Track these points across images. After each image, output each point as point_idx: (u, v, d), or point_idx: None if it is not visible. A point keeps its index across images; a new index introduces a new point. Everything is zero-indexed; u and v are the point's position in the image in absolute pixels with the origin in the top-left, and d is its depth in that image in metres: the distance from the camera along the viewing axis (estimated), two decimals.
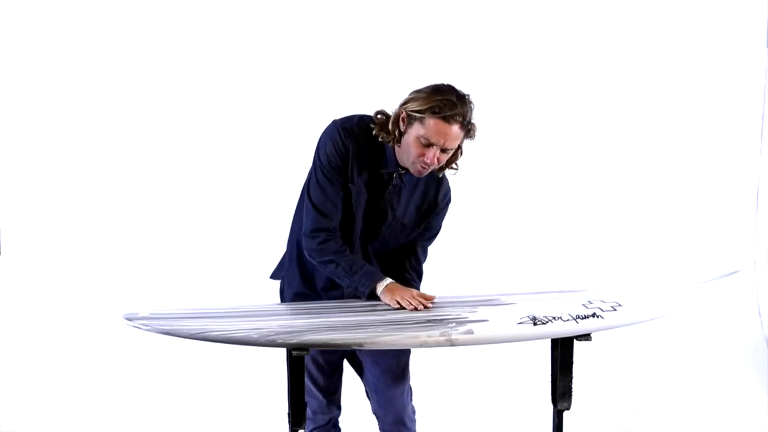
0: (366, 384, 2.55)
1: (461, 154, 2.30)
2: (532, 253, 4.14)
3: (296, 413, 2.16)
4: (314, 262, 2.33)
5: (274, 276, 2.52)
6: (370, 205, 2.32)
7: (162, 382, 3.64)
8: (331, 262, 2.29)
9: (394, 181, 2.31)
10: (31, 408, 3.46)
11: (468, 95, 2.22)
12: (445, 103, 2.16)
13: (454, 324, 2.13)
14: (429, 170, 2.24)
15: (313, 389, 2.50)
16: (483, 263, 4.10)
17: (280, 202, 3.97)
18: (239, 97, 4.04)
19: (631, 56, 4.11)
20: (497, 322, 2.17)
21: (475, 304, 2.31)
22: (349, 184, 2.29)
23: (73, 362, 3.76)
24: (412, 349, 2.44)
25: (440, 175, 2.36)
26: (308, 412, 2.48)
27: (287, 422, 2.19)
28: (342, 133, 2.25)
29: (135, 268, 4.03)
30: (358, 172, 2.28)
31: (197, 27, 3.98)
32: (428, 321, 2.15)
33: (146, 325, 2.10)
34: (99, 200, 4.03)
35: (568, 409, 2.30)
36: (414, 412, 2.59)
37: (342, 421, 2.61)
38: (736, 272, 2.59)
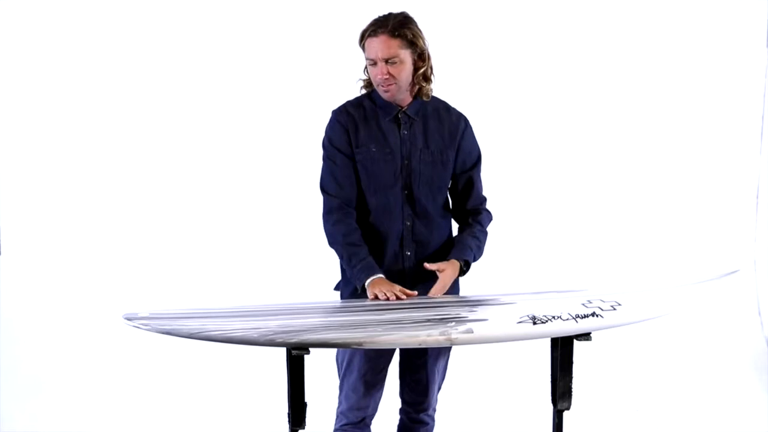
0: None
1: (424, 63, 2.41)
2: (532, 253, 4.14)
3: (296, 413, 2.16)
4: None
5: (337, 288, 2.56)
6: (395, 152, 2.41)
7: (162, 382, 3.64)
8: (337, 249, 2.39)
9: (402, 120, 2.43)
10: (31, 408, 3.46)
11: (401, 12, 2.38)
12: (371, 23, 2.37)
13: (453, 323, 2.13)
14: (393, 88, 2.36)
15: (360, 385, 2.48)
16: (483, 263, 4.09)
17: (280, 202, 3.99)
18: (243, 99, 4.03)
19: (631, 56, 4.11)
20: (497, 321, 2.17)
21: (475, 303, 2.32)
22: (355, 150, 2.41)
23: (73, 362, 3.76)
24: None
25: (429, 98, 2.45)
26: (344, 406, 2.50)
27: (287, 422, 2.19)
28: (337, 116, 2.45)
29: (135, 268, 4.03)
30: (367, 134, 2.41)
31: (200, 27, 3.97)
32: (428, 320, 2.15)
33: (146, 325, 2.10)
34: (99, 200, 4.02)
35: (568, 409, 2.30)
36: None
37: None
38: (736, 272, 2.59)
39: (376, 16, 2.39)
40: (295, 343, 2.03)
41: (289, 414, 2.18)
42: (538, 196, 4.17)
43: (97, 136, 4.01)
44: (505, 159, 4.10)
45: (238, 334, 2.04)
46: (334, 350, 2.52)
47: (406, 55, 2.36)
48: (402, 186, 2.42)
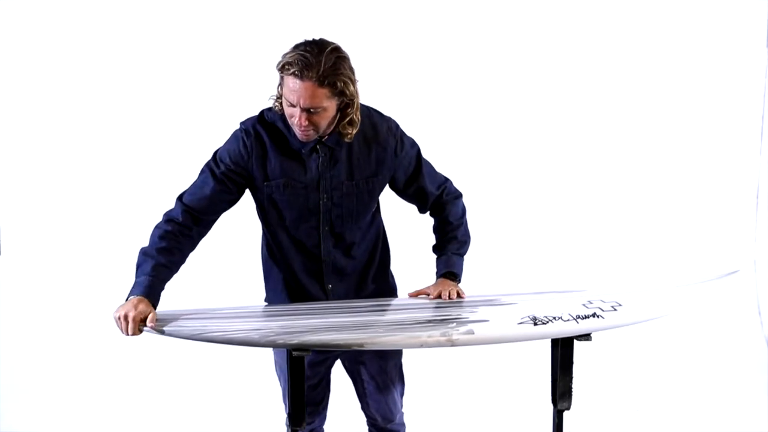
0: (356, 390, 2.55)
1: (352, 109, 2.10)
2: (532, 253, 4.14)
3: (296, 413, 2.16)
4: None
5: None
6: (311, 188, 2.20)
7: (162, 383, 3.64)
8: (140, 253, 2.31)
9: (321, 151, 2.17)
10: (31, 408, 3.46)
11: (333, 48, 2.03)
12: (296, 57, 2.00)
13: (454, 324, 2.13)
14: (311, 134, 2.09)
15: None
16: (483, 263, 4.08)
17: None
18: (244, 100, 4.01)
19: (631, 56, 4.11)
20: (498, 322, 2.17)
21: (476, 304, 2.32)
22: (264, 184, 2.19)
23: (73, 362, 3.76)
24: (413, 350, 2.44)
25: (371, 127, 2.21)
26: (286, 418, 2.48)
27: (287, 422, 2.19)
28: (244, 135, 2.21)
29: (135, 269, 4.02)
30: (279, 166, 2.18)
31: (199, 28, 3.97)
32: (429, 321, 2.16)
33: (146, 326, 2.11)
34: (99, 200, 4.02)
35: (568, 409, 2.30)
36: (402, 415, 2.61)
37: (331, 423, 2.60)
38: (736, 272, 2.59)
39: (302, 45, 2.03)
40: (296, 344, 2.03)
41: (289, 414, 2.18)
42: (538, 196, 4.16)
43: (97, 137, 4.00)
44: (505, 159, 4.11)
45: (239, 335, 2.05)
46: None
47: (332, 104, 2.06)
48: (320, 222, 2.24)
